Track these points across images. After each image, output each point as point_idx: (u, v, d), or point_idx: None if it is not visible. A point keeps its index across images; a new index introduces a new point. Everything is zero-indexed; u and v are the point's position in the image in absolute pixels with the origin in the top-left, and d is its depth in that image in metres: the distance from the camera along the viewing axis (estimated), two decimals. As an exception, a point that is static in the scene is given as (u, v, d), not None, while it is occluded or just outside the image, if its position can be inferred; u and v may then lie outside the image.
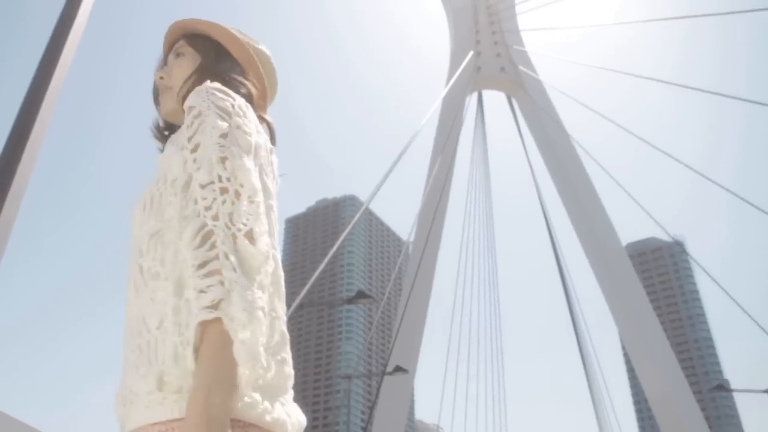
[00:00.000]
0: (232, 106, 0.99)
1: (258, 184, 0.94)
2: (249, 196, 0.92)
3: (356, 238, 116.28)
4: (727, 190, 14.47)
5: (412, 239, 18.63)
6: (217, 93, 1.00)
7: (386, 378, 15.62)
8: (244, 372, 0.82)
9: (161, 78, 1.17)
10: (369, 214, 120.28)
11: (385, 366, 15.62)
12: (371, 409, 15.91)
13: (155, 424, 0.84)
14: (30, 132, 2.96)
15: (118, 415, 0.93)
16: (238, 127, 0.98)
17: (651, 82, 15.87)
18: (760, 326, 14.89)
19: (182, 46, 1.19)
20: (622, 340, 21.40)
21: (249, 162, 0.95)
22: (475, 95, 24.07)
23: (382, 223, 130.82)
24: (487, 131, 25.62)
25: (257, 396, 0.85)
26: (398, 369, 15.18)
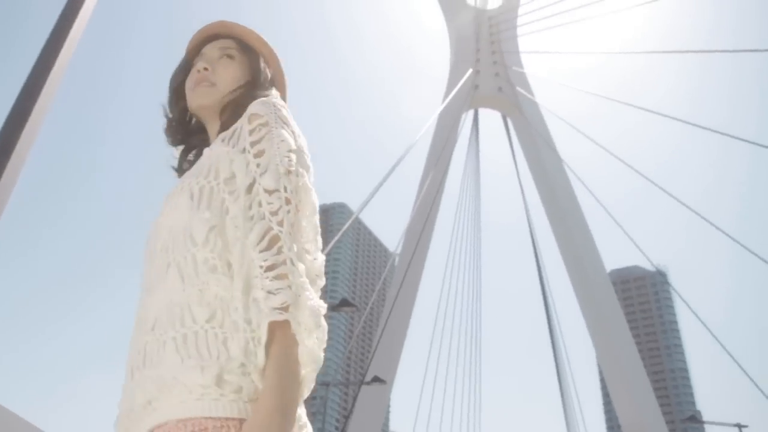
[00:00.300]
0: (295, 126, 1.06)
1: (317, 204, 1.00)
2: (308, 214, 0.98)
3: (344, 246, 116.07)
4: (714, 225, 14.69)
5: (399, 251, 18.70)
6: (283, 110, 1.05)
7: (363, 387, 15.61)
8: (305, 375, 0.88)
9: (205, 69, 1.15)
10: (358, 223, 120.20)
11: (364, 375, 15.62)
12: (347, 418, 15.88)
13: (209, 418, 0.85)
14: (29, 115, 3.01)
15: (142, 395, 0.91)
16: (302, 147, 1.03)
17: (654, 113, 15.98)
18: (736, 361, 15.08)
19: (232, 48, 1.18)
20: (599, 365, 21.51)
21: (309, 182, 1.00)
22: (471, 113, 24.29)
23: (370, 233, 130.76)
24: (480, 149, 25.82)
25: (299, 409, 0.89)
26: (376, 379, 15.18)
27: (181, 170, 1.22)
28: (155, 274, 0.99)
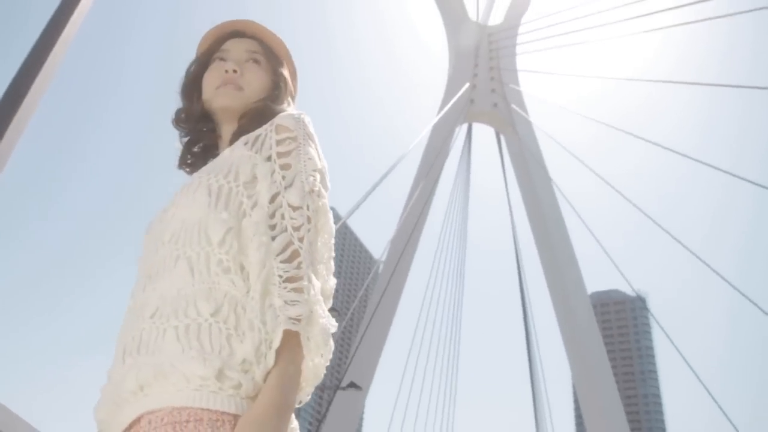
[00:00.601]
0: (319, 146, 1.08)
1: (333, 228, 1.02)
2: (326, 237, 1.01)
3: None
4: (700, 258, 14.88)
5: (384, 258, 18.71)
6: (311, 127, 1.08)
7: (339, 393, 15.57)
8: (303, 388, 0.92)
9: (234, 71, 1.14)
10: (345, 228, 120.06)
11: (340, 380, 15.58)
12: (320, 422, 15.81)
13: (206, 410, 0.85)
14: (22, 100, 3.01)
15: (134, 381, 0.89)
16: (325, 168, 1.07)
17: (653, 143, 15.93)
18: (707, 389, 15.24)
19: (259, 52, 1.18)
20: (574, 386, 21.62)
21: (327, 203, 1.02)
22: (465, 126, 24.42)
23: (356, 239, 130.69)
24: (472, 163, 25.95)
25: (292, 416, 0.92)
26: (352, 385, 15.15)
27: (183, 162, 1.21)
28: (160, 264, 0.99)
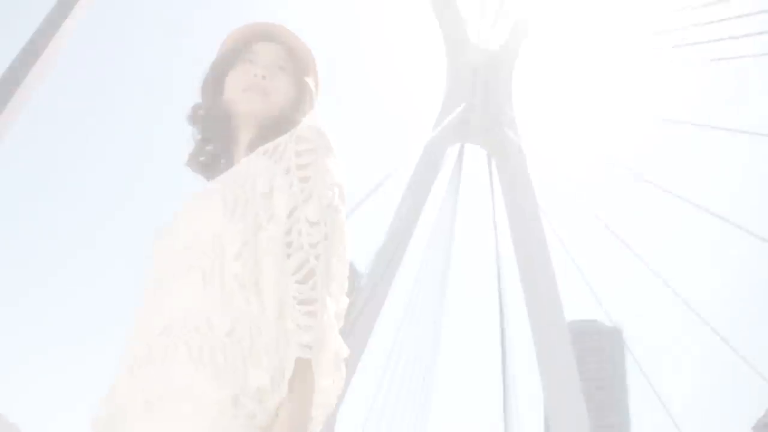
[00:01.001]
0: (338, 158, 1.04)
1: (349, 245, 0.99)
2: (341, 254, 0.98)
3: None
4: (677, 294, 15.00)
5: (367, 272, 18.65)
6: (330, 141, 1.04)
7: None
8: (316, 417, 0.89)
9: (263, 77, 1.12)
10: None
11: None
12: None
13: None
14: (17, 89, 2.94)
15: (142, 396, 0.87)
16: (343, 182, 1.03)
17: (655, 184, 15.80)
18: (676, 424, 15.30)
19: (286, 59, 1.16)
20: (545, 414, 21.61)
21: (344, 217, 1.00)
22: (457, 146, 24.53)
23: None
24: (461, 184, 26.03)
25: None
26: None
27: (194, 160, 1.18)
28: (171, 273, 0.96)
